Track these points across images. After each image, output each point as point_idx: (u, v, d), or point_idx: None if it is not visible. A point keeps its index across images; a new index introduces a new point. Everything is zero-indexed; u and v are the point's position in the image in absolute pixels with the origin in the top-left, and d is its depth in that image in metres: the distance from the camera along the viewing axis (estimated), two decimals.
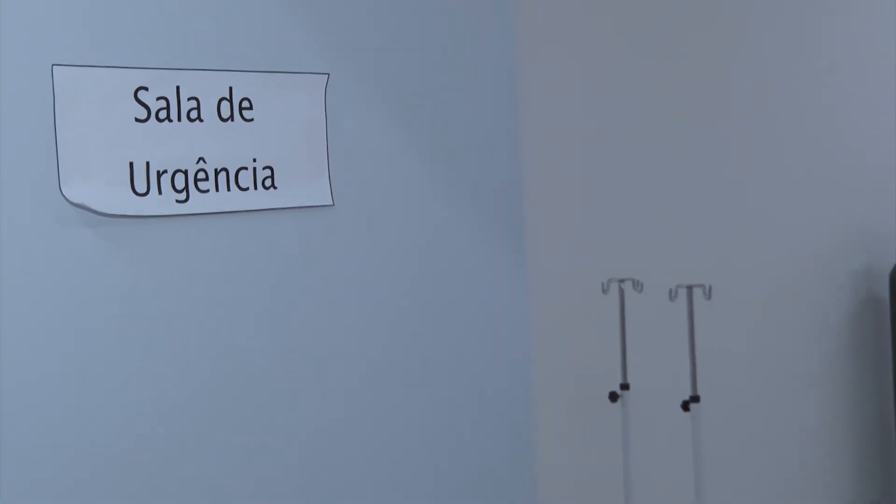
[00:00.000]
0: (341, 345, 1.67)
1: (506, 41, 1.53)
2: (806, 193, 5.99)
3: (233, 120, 1.54)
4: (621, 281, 5.10)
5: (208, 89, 1.52)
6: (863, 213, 6.12)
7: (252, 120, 1.55)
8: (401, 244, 1.60)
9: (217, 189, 1.51)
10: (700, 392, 5.00)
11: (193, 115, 1.49)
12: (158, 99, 1.48)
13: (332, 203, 1.57)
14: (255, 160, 1.53)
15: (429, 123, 1.58)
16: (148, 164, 1.44)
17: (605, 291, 5.08)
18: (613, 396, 5.04)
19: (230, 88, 1.53)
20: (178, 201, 1.45)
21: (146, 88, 1.46)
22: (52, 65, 1.41)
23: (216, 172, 1.52)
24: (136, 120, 1.44)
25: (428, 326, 1.65)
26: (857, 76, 6.24)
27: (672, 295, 5.00)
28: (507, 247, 1.54)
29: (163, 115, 1.46)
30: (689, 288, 5.00)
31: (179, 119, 1.47)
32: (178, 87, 1.49)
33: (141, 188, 1.43)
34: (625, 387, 5.07)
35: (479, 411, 1.62)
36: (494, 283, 1.53)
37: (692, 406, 4.98)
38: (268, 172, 1.53)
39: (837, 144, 6.13)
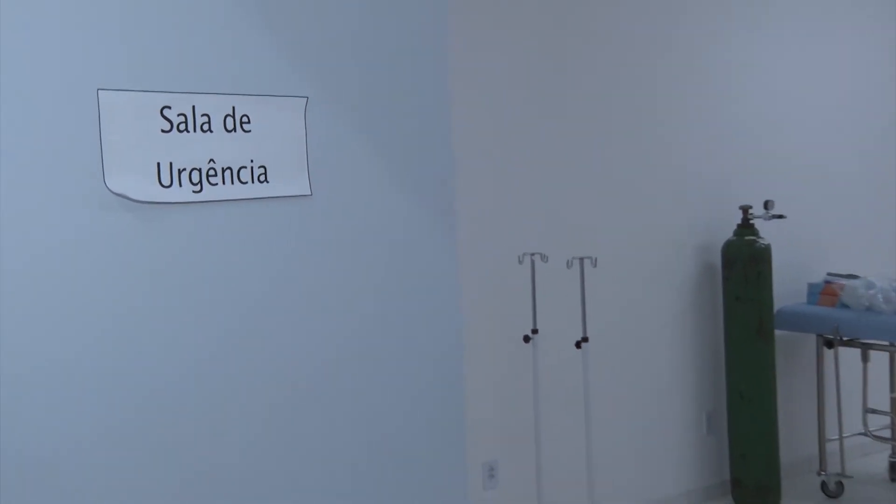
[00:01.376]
0: (318, 296, 1.62)
1: (441, 66, 1.49)
2: (666, 190, 6.20)
3: (235, 131, 1.50)
4: (532, 254, 5.18)
5: (217, 108, 1.48)
6: (703, 206, 6.17)
7: (250, 131, 1.51)
8: (362, 224, 1.57)
9: (224, 183, 1.48)
10: (588, 334, 5.13)
11: (205, 127, 1.45)
12: (179, 115, 1.45)
13: (310, 193, 1.53)
14: (252, 161, 1.49)
15: (382, 132, 1.55)
16: (171, 163, 1.40)
17: (520, 262, 5.17)
18: (526, 339, 5.15)
19: (233, 107, 1.49)
20: (194, 192, 1.41)
21: (169, 107, 1.42)
22: (98, 89, 1.37)
23: (223, 170, 1.49)
24: (162, 131, 1.40)
25: (382, 287, 1.61)
26: (707, 104, 6.16)
27: (569, 264, 5.11)
28: (441, 228, 1.50)
29: (182, 127, 1.43)
30: (581, 259, 5.12)
31: (195, 130, 1.43)
32: (193, 106, 1.46)
33: (166, 182, 1.39)
34: (535, 331, 5.18)
35: (423, 352, 1.57)
36: (433, 256, 1.49)
37: (583, 345, 5.07)
38: (262, 170, 1.50)
39: (690, 155, 6.16)
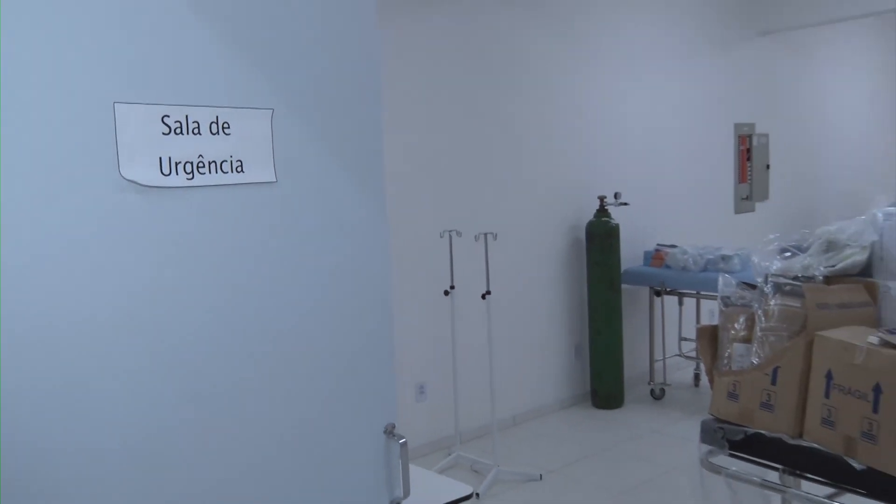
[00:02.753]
0: (284, 257, 1.56)
1: (374, 86, 1.43)
2: (547, 185, 6.34)
3: (219, 134, 1.42)
4: (450, 231, 5.14)
5: (204, 117, 1.40)
6: (573, 197, 6.26)
7: (230, 134, 1.43)
8: (315, 203, 1.50)
9: (210, 172, 1.40)
10: (490, 289, 5.13)
11: (196, 131, 1.37)
12: (175, 121, 1.36)
13: (275, 180, 1.46)
14: (231, 156, 1.41)
15: (330, 134, 1.47)
16: (170, 158, 1.33)
17: (441, 237, 5.19)
18: (446, 293, 5.12)
19: (217, 116, 1.41)
20: (187, 179, 1.33)
21: (168, 116, 1.35)
22: (114, 102, 1.30)
23: (209, 163, 1.41)
24: (163, 133, 1.32)
25: (330, 250, 1.54)
26: (578, 123, 6.18)
27: (476, 238, 5.08)
28: (376, 208, 1.42)
29: (178, 130, 1.34)
30: (485, 234, 5.11)
31: (188, 133, 1.35)
32: (186, 116, 1.38)
33: (166, 172, 1.31)
34: (452, 287, 5.17)
35: (359, 309, 1.50)
36: (368, 231, 1.42)
37: (486, 296, 5.05)
38: (239, 163, 1.42)
39: (565, 160, 6.28)
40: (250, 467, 1.63)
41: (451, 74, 5.58)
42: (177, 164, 1.52)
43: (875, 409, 2.40)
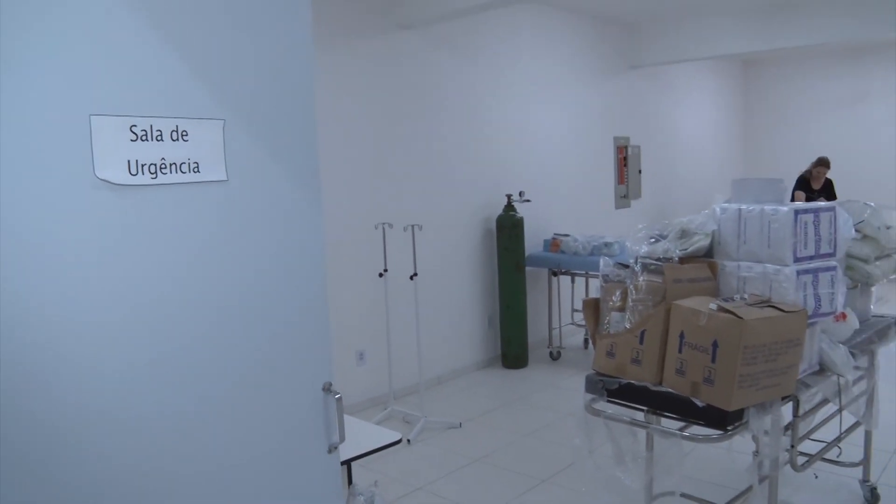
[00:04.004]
0: (233, 246, 1.53)
1: (308, 96, 1.41)
2: (465, 184, 6.38)
3: (179, 141, 1.39)
4: (383, 223, 5.07)
5: (166, 126, 1.36)
6: (486, 194, 6.30)
7: (188, 140, 1.40)
8: (258, 199, 1.47)
9: (171, 172, 1.36)
10: (417, 271, 5.09)
11: (159, 138, 1.33)
12: (142, 130, 1.33)
13: (227, 179, 1.44)
14: (189, 159, 1.38)
15: (273, 139, 1.45)
16: (137, 160, 1.29)
17: (376, 228, 5.11)
18: (380, 275, 5.04)
19: (177, 126, 1.38)
20: (151, 178, 1.30)
21: (136, 125, 1.31)
22: (90, 114, 1.26)
23: (170, 165, 1.38)
24: (131, 140, 1.29)
25: (269, 241, 1.51)
26: (490, 133, 6.22)
27: (405, 229, 5.00)
28: (311, 201, 1.40)
29: (144, 138, 1.30)
30: (413, 226, 5.02)
31: (152, 140, 1.32)
32: (151, 125, 1.34)
33: (133, 172, 1.28)
34: (385, 270, 5.11)
35: (298, 286, 1.48)
36: (305, 220, 1.40)
37: (414, 278, 5.00)
38: (196, 165, 1.38)
39: (479, 164, 6.33)
40: (205, 423, 1.62)
41: (387, 96, 5.56)
42: (142, 165, 1.50)
43: (713, 360, 2.48)
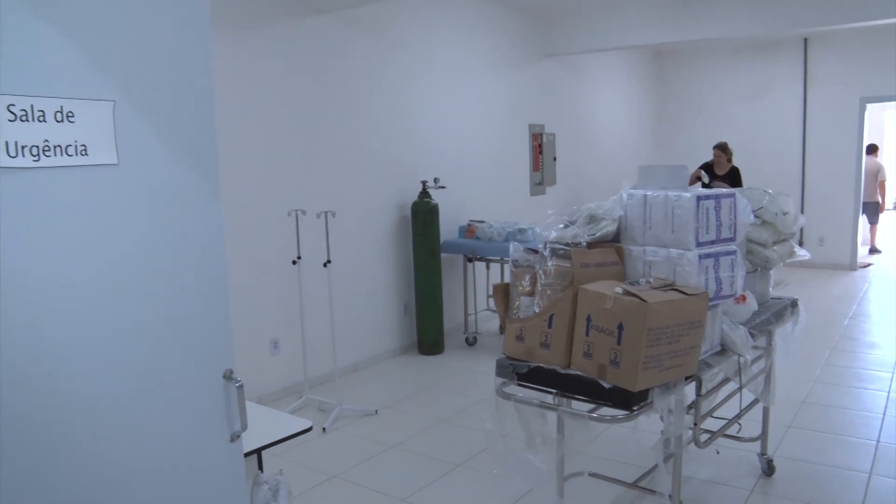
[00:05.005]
0: (124, 232, 1.47)
1: (206, 73, 1.35)
2: (380, 171, 6.35)
3: (64, 122, 1.32)
4: (296, 210, 4.98)
5: (49, 107, 1.30)
6: (401, 181, 6.31)
7: (74, 122, 1.33)
8: (153, 184, 1.41)
9: (56, 155, 1.29)
10: (331, 259, 5.04)
11: (41, 119, 1.27)
12: (21, 110, 1.26)
13: (117, 162, 1.37)
14: (76, 141, 1.32)
15: (169, 124, 1.39)
16: (16, 142, 1.22)
17: (289, 215, 5.02)
18: (294, 262, 4.94)
19: (62, 106, 1.31)
20: (33, 161, 1.23)
21: (14, 105, 1.23)
22: None
23: (55, 147, 1.31)
24: (9, 120, 1.21)
25: (164, 227, 1.46)
26: (406, 121, 6.20)
27: (318, 216, 4.93)
28: (209, 188, 1.35)
29: (24, 118, 1.24)
30: (326, 213, 4.94)
31: (33, 121, 1.25)
32: (32, 105, 1.27)
33: (13, 154, 1.21)
34: (299, 258, 5.01)
35: (196, 274, 1.43)
36: (203, 206, 1.35)
37: (327, 265, 4.93)
38: (83, 147, 1.32)
39: (395, 152, 6.28)
40: (100, 413, 1.56)
41: (302, 81, 5.46)
42: (23, 147, 1.41)
43: (619, 342, 2.54)
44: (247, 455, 2.43)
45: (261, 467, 2.67)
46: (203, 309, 1.72)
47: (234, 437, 1.79)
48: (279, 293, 5.35)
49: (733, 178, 8.27)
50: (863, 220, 10.71)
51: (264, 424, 2.74)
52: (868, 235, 11.59)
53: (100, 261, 1.53)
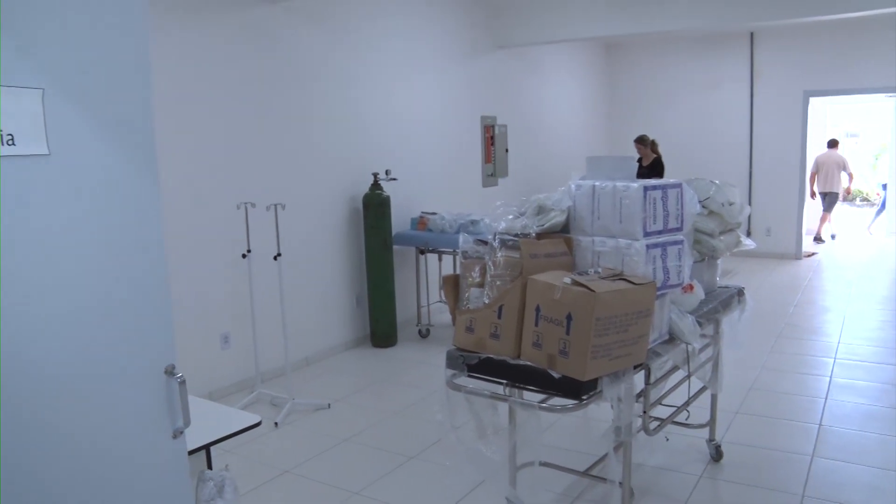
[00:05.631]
0: (57, 223, 1.42)
1: (144, 62, 1.30)
2: (331, 164, 6.30)
3: None
4: (245, 203, 4.89)
5: None
6: (352, 173, 6.27)
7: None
8: (87, 175, 1.36)
9: None
10: (281, 251, 5.00)
11: None
12: None
13: (48, 153, 1.32)
14: (2, 131, 1.27)
15: (103, 114, 1.34)
16: None
17: (238, 208, 4.94)
18: (244, 256, 4.92)
19: None
20: None
21: None
22: None
23: None
24: None
25: (100, 219, 1.41)
26: (357, 114, 6.15)
27: (268, 208, 4.88)
28: (147, 179, 1.31)
29: None
30: (276, 205, 4.91)
31: None
32: None
33: None
34: (249, 251, 4.94)
35: (135, 267, 1.38)
36: (141, 198, 1.30)
37: (278, 258, 4.89)
38: (10, 137, 1.27)
39: (347, 144, 6.22)
40: (39, 408, 1.51)
41: (251, 72, 5.37)
42: None
43: (567, 332, 2.55)
44: (194, 452, 2.39)
45: (210, 464, 2.63)
46: (142, 303, 1.67)
47: (177, 434, 1.75)
48: (229, 287, 5.27)
49: (657, 170, 8.56)
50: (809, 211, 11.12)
51: (213, 420, 2.69)
52: (808, 226, 12.16)
53: (29, 254, 1.47)
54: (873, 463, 3.98)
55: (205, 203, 5.07)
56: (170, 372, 1.73)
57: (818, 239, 12.02)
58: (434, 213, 6.63)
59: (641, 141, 8.74)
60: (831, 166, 11.70)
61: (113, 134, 1.59)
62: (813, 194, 11.85)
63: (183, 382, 1.74)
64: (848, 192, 13.16)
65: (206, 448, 2.50)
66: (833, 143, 11.88)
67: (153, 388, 1.71)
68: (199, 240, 5.05)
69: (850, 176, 12.04)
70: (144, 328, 1.69)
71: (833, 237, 12.30)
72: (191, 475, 2.12)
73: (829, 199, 11.85)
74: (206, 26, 5.06)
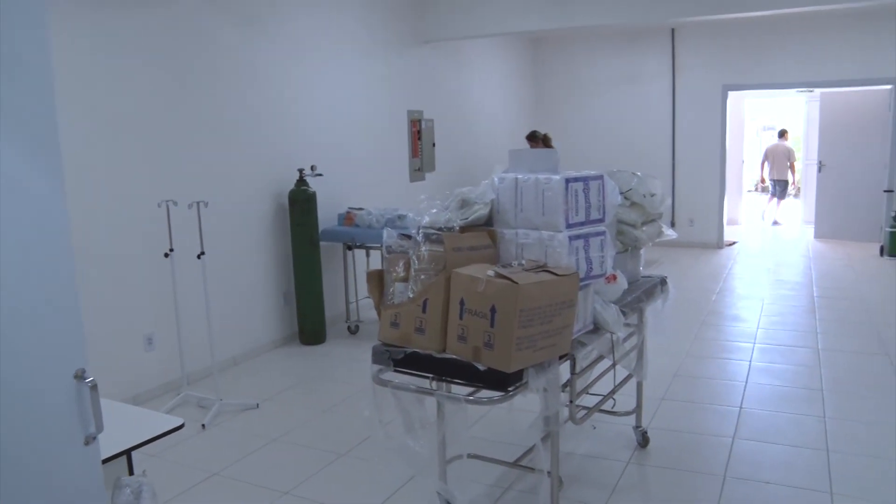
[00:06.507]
0: None
1: (44, 56, 1.22)
2: (255, 160, 6.19)
3: None
4: (167, 200, 4.79)
5: None
6: (278, 169, 6.19)
7: None
8: None
9: None
10: (205, 250, 4.94)
11: None
12: None
13: None
14: None
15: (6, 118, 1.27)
16: None
17: (159, 206, 4.80)
18: (166, 255, 4.81)
19: None
20: None
21: None
22: None
23: None
24: None
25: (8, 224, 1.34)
26: (281, 110, 6.08)
27: (190, 206, 4.76)
28: (51, 179, 1.24)
29: None
30: (198, 203, 4.78)
31: None
32: None
33: None
34: (171, 250, 4.86)
35: (42, 269, 1.32)
36: (45, 198, 1.23)
37: (201, 256, 4.82)
38: None
39: (271, 140, 6.13)
40: None
41: (171, 67, 5.23)
42: None
43: (492, 325, 2.57)
44: (112, 458, 2.32)
45: (131, 470, 2.56)
46: (48, 306, 1.61)
47: (89, 440, 1.69)
48: (152, 287, 5.14)
49: None
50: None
51: (134, 425, 2.61)
52: (738, 212, 13.00)
53: None
54: (788, 442, 4.16)
55: (124, 202, 4.92)
56: (79, 376, 1.67)
57: (776, 223, 12.91)
58: (361, 209, 6.58)
59: (533, 137, 8.92)
60: (780, 156, 12.63)
61: (10, 128, 1.52)
62: (763, 180, 12.62)
63: (94, 387, 1.68)
64: (794, 184, 14.24)
65: (127, 454, 2.43)
66: (782, 134, 12.74)
67: (62, 394, 1.64)
68: (120, 239, 4.89)
69: (792, 167, 12.77)
70: (51, 332, 1.63)
71: (775, 223, 13.00)
72: (108, 482, 2.06)
73: (780, 187, 12.77)
74: (122, 17, 4.89)
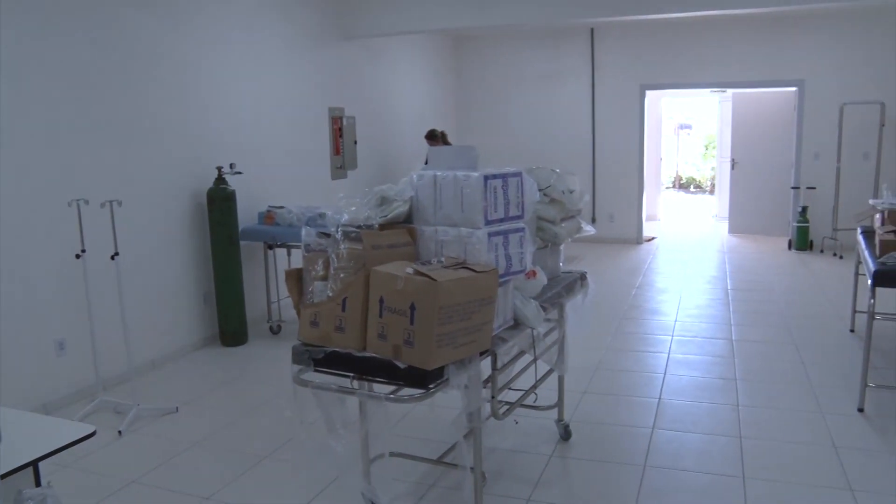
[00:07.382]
0: None
1: None
2: (173, 158, 6.03)
3: None
4: (77, 199, 4.64)
5: None
6: (196, 168, 6.07)
7: None
8: None
9: None
10: (119, 250, 4.86)
11: None
12: None
13: None
14: None
15: None
16: None
17: (69, 205, 4.69)
18: (77, 256, 4.68)
19: None
20: None
21: None
22: None
23: None
24: None
25: None
26: (201, 108, 5.94)
27: (103, 206, 4.66)
28: None
29: None
30: (111, 202, 4.69)
31: None
32: None
33: None
34: (83, 251, 4.73)
35: None
36: None
37: (115, 257, 4.73)
38: None
39: (190, 138, 6.00)
40: None
41: (78, 60, 5.02)
42: None
43: (412, 322, 2.56)
44: (16, 471, 2.21)
45: (39, 481, 2.44)
46: None
47: None
48: (62, 290, 4.93)
49: None
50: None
51: (41, 434, 2.49)
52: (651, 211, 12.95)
53: None
54: (704, 430, 4.29)
55: (31, 201, 4.70)
56: None
57: None
58: (281, 207, 6.47)
59: (431, 136, 9.09)
60: None
61: None
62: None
63: None
64: None
65: (34, 465, 2.32)
66: None
67: None
68: (27, 240, 4.68)
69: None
70: None
71: None
72: (10, 496, 1.96)
73: None
74: (27, 3, 4.67)
